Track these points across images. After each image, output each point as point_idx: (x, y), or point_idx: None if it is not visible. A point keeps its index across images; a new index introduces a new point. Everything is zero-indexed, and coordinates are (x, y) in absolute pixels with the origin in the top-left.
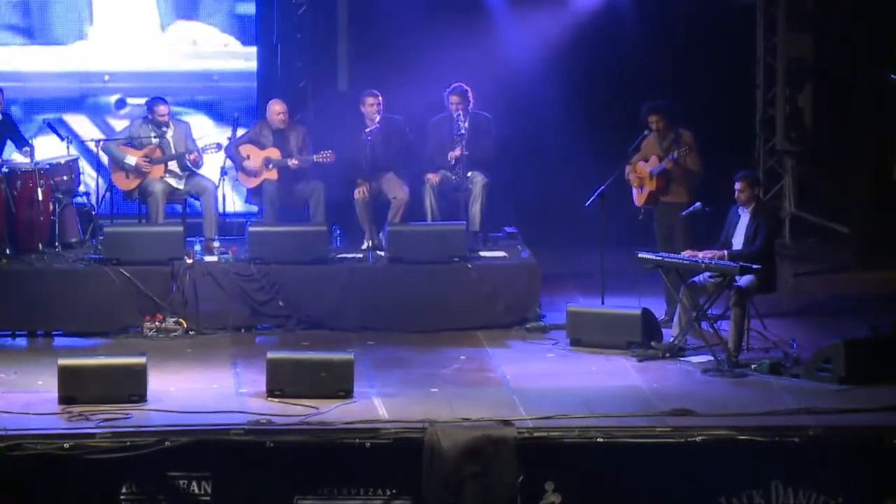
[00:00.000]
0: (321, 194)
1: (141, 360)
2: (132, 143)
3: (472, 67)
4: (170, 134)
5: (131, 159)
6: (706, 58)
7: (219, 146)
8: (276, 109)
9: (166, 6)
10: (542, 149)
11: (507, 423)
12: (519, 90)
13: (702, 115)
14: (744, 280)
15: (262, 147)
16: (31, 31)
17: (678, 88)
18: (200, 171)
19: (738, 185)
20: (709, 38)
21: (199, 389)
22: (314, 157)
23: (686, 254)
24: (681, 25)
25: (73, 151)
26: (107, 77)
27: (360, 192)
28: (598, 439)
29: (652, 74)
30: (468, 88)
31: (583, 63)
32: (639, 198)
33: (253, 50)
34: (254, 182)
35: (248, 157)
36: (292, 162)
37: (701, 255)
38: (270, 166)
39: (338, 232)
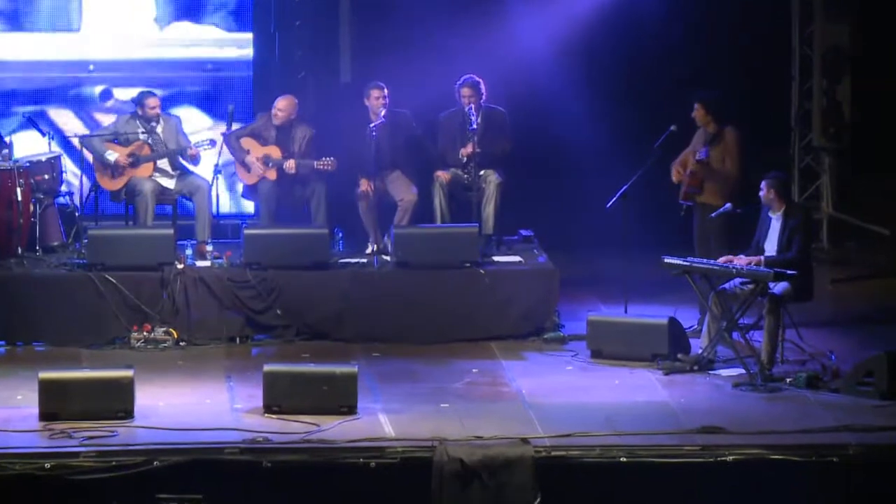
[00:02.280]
0: (322, 194)
1: (128, 373)
2: (118, 139)
3: (485, 57)
4: (159, 129)
5: (111, 155)
6: (738, 47)
7: (212, 142)
8: (279, 105)
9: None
10: (560, 145)
11: (522, 441)
12: (536, 82)
13: (733, 109)
14: (778, 287)
15: (263, 142)
16: (17, 17)
17: (707, 79)
18: (192, 169)
19: (762, 185)
20: (741, 27)
21: (191, 405)
22: (315, 163)
23: (722, 260)
24: (711, 13)
25: (56, 148)
26: (91, 67)
27: (364, 193)
28: (621, 459)
29: (679, 65)
30: (481, 80)
31: (605, 52)
32: (681, 193)
33: (248, 37)
34: (251, 178)
35: (249, 151)
36: (288, 166)
37: (736, 260)
38: (270, 165)
39: (340, 235)
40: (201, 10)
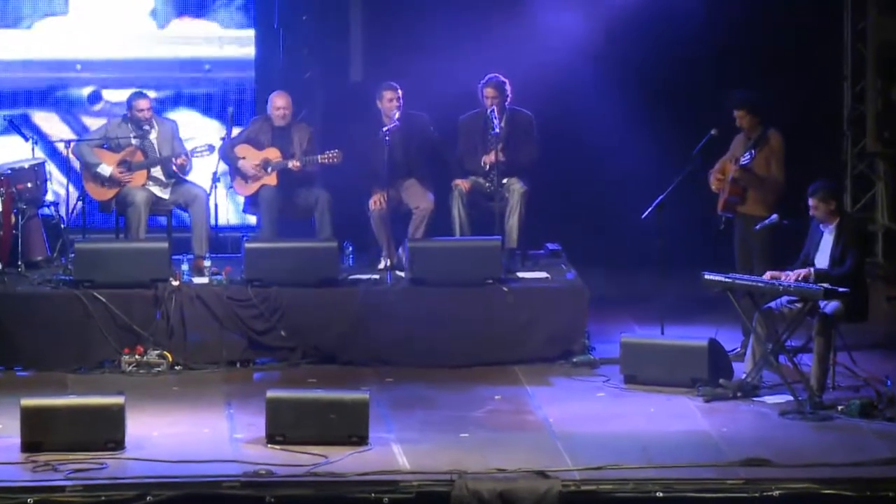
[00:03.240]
0: (327, 203)
1: (118, 400)
2: (108, 144)
3: (510, 55)
4: (153, 134)
5: (105, 169)
6: (785, 45)
7: (210, 148)
8: (278, 103)
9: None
10: (591, 151)
11: (549, 474)
12: (564, 82)
13: (781, 112)
14: (829, 306)
15: (260, 147)
16: None
17: (752, 80)
18: (189, 178)
19: (810, 202)
20: (787, 22)
21: (187, 434)
22: (318, 157)
23: (767, 276)
24: (754, 7)
25: (40, 154)
26: (79, 66)
27: (376, 202)
28: (658, 494)
29: (720, 64)
30: (505, 80)
31: (640, 50)
32: (719, 203)
33: (250, 34)
34: (250, 188)
35: (244, 158)
36: (293, 164)
37: (784, 276)
38: (269, 169)
39: (350, 249)
40: (199, 5)
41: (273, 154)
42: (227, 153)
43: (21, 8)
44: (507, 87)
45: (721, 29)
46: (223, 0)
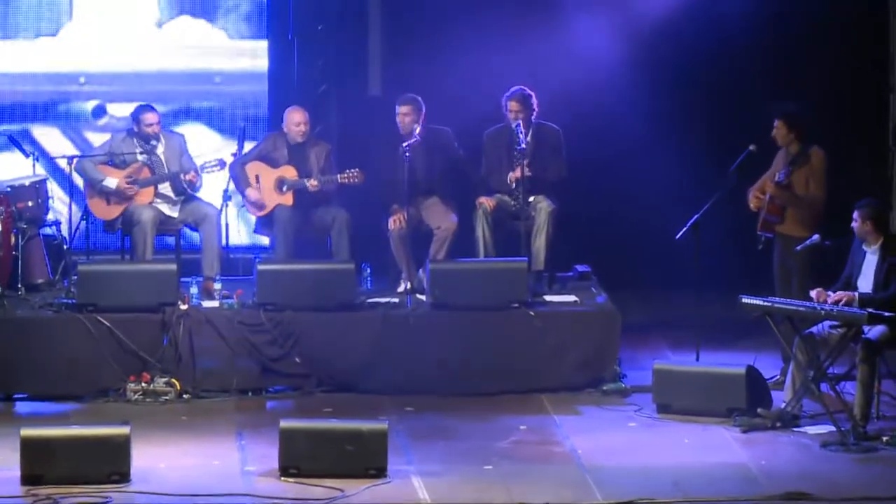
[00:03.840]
0: (344, 223)
1: (123, 430)
2: (113, 160)
3: (537, 66)
4: (160, 149)
5: (111, 181)
6: (827, 53)
7: (221, 163)
8: (296, 119)
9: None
10: (622, 167)
11: None
12: (594, 94)
13: (822, 125)
14: (874, 331)
15: (274, 165)
16: None
17: (792, 91)
18: (198, 195)
19: (854, 216)
20: (829, 31)
21: (196, 467)
22: (338, 177)
23: (812, 293)
24: (796, 14)
25: (41, 171)
26: (82, 79)
27: (395, 222)
28: None
29: (759, 75)
30: (531, 93)
31: (675, 62)
32: (759, 222)
33: (263, 45)
34: (263, 209)
35: (258, 177)
36: (311, 183)
37: (828, 295)
38: (284, 189)
39: (368, 271)
40: (209, 15)
41: (289, 172)
42: (237, 171)
43: (22, 19)
44: (533, 101)
45: (762, 39)
46: (234, 8)
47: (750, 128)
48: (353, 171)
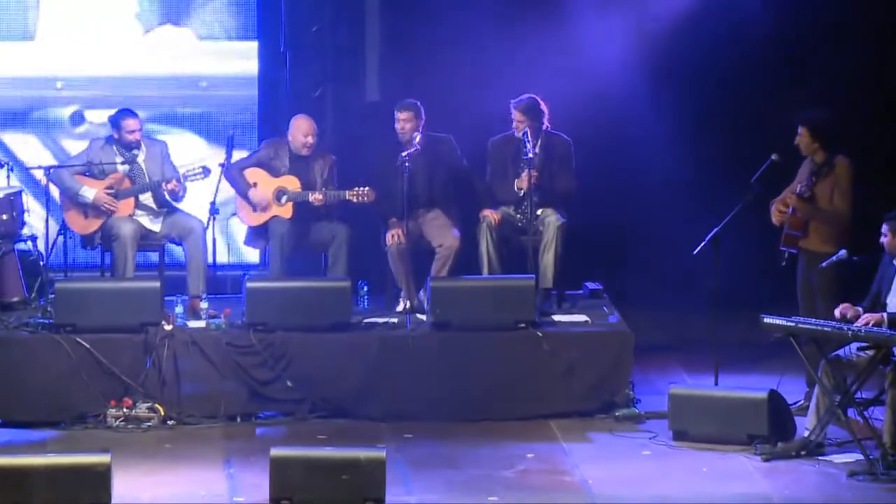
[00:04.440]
0: (345, 239)
1: (104, 458)
2: (91, 170)
3: (546, 71)
4: (141, 157)
5: (88, 192)
6: (854, 60)
7: (206, 171)
8: (304, 129)
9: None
10: (635, 178)
11: None
12: (606, 102)
13: (850, 134)
14: None
15: (275, 173)
16: None
17: (816, 98)
18: (183, 208)
19: (883, 230)
20: (856, 35)
21: (181, 497)
22: (346, 192)
23: (838, 310)
24: (822, 16)
25: (15, 182)
26: (59, 84)
27: (393, 237)
28: None
29: (782, 82)
30: (540, 102)
31: (690, 64)
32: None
33: (253, 46)
34: (259, 218)
35: (256, 184)
36: (315, 197)
37: (855, 311)
38: (284, 200)
39: (364, 289)
40: (194, 15)
41: (291, 183)
42: (234, 175)
43: None
44: (543, 110)
45: (787, 42)
46: (221, 8)
47: (772, 136)
48: (363, 188)
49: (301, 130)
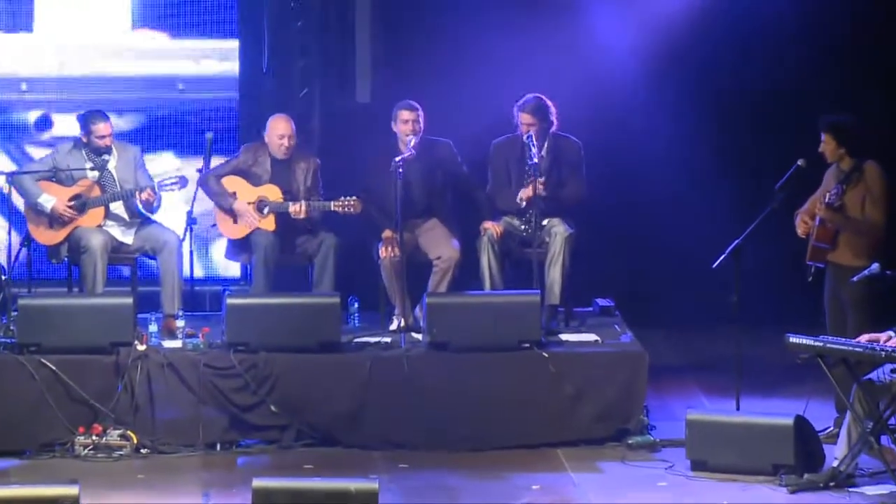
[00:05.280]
0: (332, 251)
1: (72, 490)
2: (58, 176)
3: (552, 70)
4: (112, 163)
5: (47, 200)
6: (883, 61)
7: (182, 181)
8: (279, 129)
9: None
10: (650, 188)
11: None
12: (618, 104)
13: (880, 137)
14: None
15: (255, 182)
16: None
17: (845, 103)
18: (156, 218)
19: None
20: (886, 32)
21: None
22: (332, 204)
23: (864, 338)
24: (847, 17)
25: None
26: (24, 85)
27: (387, 250)
28: None
29: (808, 84)
30: (548, 103)
31: (708, 65)
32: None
33: (233, 45)
34: (240, 230)
35: (235, 194)
36: (295, 208)
37: (884, 339)
38: (266, 211)
39: (355, 306)
40: (169, 12)
41: (272, 192)
42: (212, 185)
43: None
44: (552, 112)
45: (810, 41)
46: (197, 4)
47: (797, 141)
48: (349, 198)
49: (277, 131)
